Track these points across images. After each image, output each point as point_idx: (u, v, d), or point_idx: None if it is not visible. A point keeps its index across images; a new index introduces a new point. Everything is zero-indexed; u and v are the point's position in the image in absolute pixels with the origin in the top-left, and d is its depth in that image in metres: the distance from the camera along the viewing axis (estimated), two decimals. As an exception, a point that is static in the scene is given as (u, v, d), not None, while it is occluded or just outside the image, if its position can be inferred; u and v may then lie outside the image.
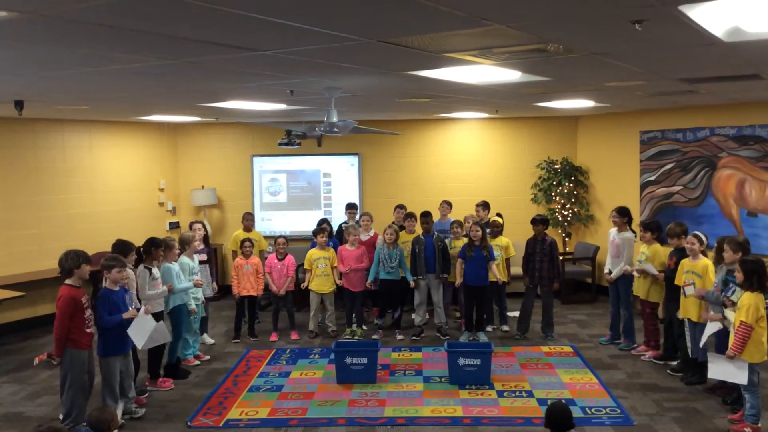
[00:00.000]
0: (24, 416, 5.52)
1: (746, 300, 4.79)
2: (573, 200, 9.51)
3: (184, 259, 6.55)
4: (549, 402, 4.31)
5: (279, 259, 7.68)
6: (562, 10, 2.62)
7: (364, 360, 6.11)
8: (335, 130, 5.51)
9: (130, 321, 5.15)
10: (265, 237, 8.83)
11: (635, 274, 6.74)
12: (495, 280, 7.35)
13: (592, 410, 5.45)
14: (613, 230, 7.16)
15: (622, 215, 7.05)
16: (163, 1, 2.36)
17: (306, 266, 7.65)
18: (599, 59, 3.91)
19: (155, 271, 5.92)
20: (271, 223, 9.97)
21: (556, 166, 9.51)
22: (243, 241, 7.69)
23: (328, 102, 5.43)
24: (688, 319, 5.89)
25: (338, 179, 9.97)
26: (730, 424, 5.07)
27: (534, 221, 7.54)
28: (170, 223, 9.93)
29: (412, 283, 7.52)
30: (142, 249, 5.94)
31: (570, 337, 7.59)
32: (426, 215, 7.71)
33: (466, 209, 8.57)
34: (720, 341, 5.40)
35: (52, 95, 5.53)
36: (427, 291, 7.63)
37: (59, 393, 5.14)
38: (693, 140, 7.91)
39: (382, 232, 7.71)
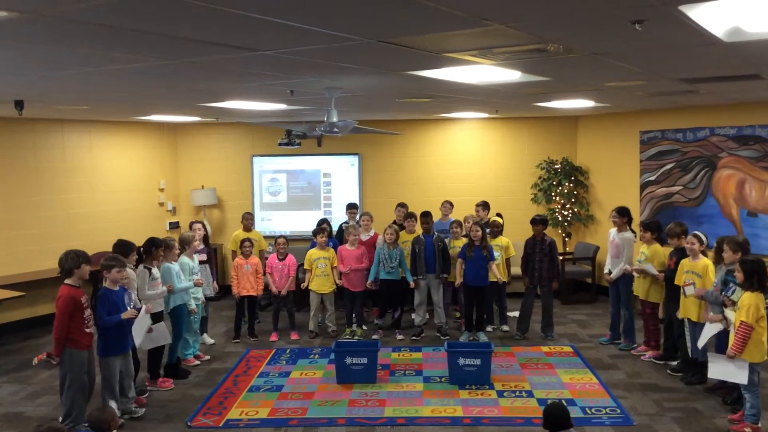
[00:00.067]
0: (24, 416, 5.52)
1: (746, 300, 4.80)
2: (573, 200, 9.51)
3: (184, 259, 6.56)
4: (549, 402, 4.31)
5: (280, 260, 7.69)
6: (562, 10, 2.62)
7: (364, 360, 6.11)
8: (335, 130, 5.51)
9: (129, 321, 5.18)
10: (265, 237, 8.84)
11: (635, 274, 6.75)
12: (495, 280, 7.36)
13: (592, 410, 5.45)
14: (613, 230, 7.16)
15: (622, 215, 7.05)
16: (163, 1, 2.36)
17: (306, 266, 7.65)
18: (599, 59, 3.90)
19: (155, 271, 5.92)
20: (271, 223, 9.97)
21: (556, 166, 9.51)
22: (243, 241, 7.69)
23: (328, 102, 5.43)
24: (688, 319, 5.89)
25: (338, 179, 9.97)
26: (730, 424, 5.07)
27: (533, 221, 7.54)
28: (170, 223, 9.93)
29: (412, 283, 7.52)
30: (142, 249, 5.94)
31: (570, 337, 7.59)
32: (426, 215, 7.70)
33: (466, 209, 8.57)
34: (720, 341, 5.40)
35: (52, 95, 5.53)
36: (427, 291, 7.63)
37: (59, 393, 5.14)
38: (693, 140, 7.91)
39: (382, 232, 7.71)
